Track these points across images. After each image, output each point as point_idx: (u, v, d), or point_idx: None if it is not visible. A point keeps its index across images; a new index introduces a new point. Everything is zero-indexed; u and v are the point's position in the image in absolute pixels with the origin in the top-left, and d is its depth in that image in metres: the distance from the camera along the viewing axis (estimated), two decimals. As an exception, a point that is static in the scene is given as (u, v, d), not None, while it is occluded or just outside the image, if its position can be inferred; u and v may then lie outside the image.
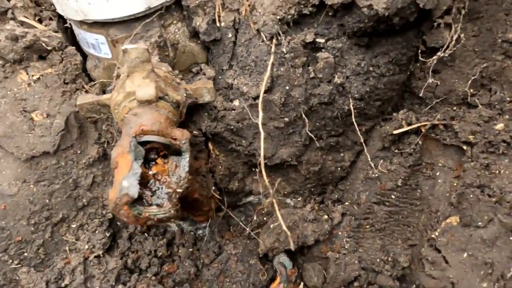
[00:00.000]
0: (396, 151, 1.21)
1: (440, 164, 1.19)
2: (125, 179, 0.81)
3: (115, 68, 1.12)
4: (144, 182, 0.88)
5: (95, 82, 1.22)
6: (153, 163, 0.94)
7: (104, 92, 1.24)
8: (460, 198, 1.09)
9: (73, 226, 1.30)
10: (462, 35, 1.02)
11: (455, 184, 1.13)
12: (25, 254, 1.22)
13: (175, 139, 0.93)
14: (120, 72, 1.02)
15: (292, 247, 0.94)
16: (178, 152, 0.95)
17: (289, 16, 1.05)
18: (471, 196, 1.06)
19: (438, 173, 1.20)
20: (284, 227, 0.95)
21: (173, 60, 1.18)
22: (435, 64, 1.08)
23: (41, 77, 1.16)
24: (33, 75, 1.16)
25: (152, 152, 0.94)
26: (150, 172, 0.92)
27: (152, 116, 0.93)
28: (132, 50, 0.92)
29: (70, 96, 1.20)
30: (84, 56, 1.23)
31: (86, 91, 1.20)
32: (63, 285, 1.23)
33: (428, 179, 1.21)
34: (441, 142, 1.17)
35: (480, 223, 1.03)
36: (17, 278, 1.20)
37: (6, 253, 1.19)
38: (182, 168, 0.94)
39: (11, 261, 1.20)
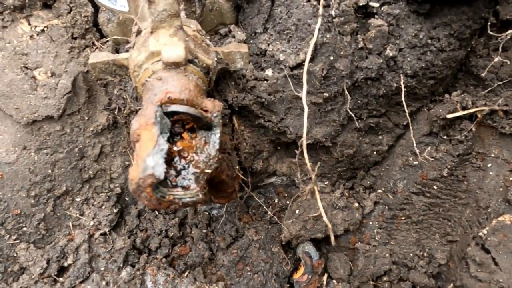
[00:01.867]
0: (445, 137, 1.08)
1: (492, 155, 1.07)
2: (150, 157, 0.68)
3: (133, 23, 0.97)
4: (168, 159, 0.74)
5: (108, 39, 1.06)
6: (178, 137, 0.81)
7: (117, 51, 1.08)
8: (518, 195, 0.97)
9: (78, 200, 1.18)
10: (545, 7, 0.87)
11: (511, 179, 1.01)
12: (24, 229, 1.10)
13: (205, 111, 0.79)
14: (141, 28, 0.86)
15: (332, 241, 0.83)
16: (207, 126, 0.81)
17: (342, -27, 0.89)
18: (531, 193, 0.95)
19: (489, 165, 1.07)
20: (325, 219, 0.83)
21: (199, 18, 1.01)
22: (506, 41, 0.94)
23: (45, 29, 1.00)
24: (36, 26, 1.00)
25: (177, 124, 0.80)
26: (175, 148, 0.79)
27: (180, 82, 0.78)
28: (159, 1, 0.76)
29: (79, 53, 1.04)
30: (96, 7, 1.06)
31: (97, 49, 1.05)
32: (65, 264, 1.12)
33: (477, 170, 1.09)
34: (498, 131, 1.04)
35: (541, 225, 0.92)
36: (15, 255, 1.08)
37: (3, 227, 1.07)
38: (212, 145, 0.80)
39: (8, 236, 1.08)
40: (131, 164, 1.23)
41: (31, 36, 0.99)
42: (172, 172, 0.78)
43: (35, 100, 1.02)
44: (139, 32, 0.87)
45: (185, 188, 0.77)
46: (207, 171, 0.79)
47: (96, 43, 1.05)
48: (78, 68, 1.04)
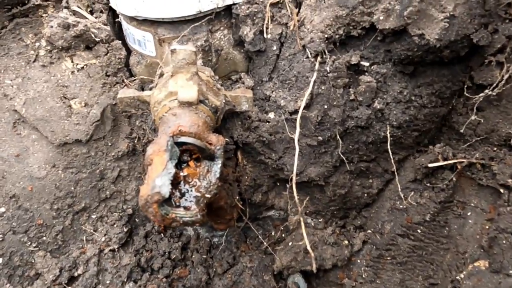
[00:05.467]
0: (428, 184, 1.18)
1: (472, 204, 1.15)
2: (159, 178, 0.81)
3: (158, 66, 1.14)
4: (174, 182, 0.87)
5: (135, 78, 1.24)
6: (185, 165, 0.94)
7: (142, 89, 1.25)
8: (491, 242, 1.05)
9: (93, 216, 1.31)
10: (513, 76, 0.99)
11: (487, 227, 1.09)
12: (44, 238, 1.23)
13: (210, 144, 0.93)
14: (164, 71, 1.03)
15: (314, 268, 0.92)
16: (211, 157, 0.94)
17: (337, 36, 1.05)
18: (504, 242, 1.02)
19: (469, 213, 1.16)
20: (309, 247, 0.93)
21: (215, 65, 1.18)
22: (480, 102, 1.06)
23: (85, 66, 1.18)
24: (77, 64, 1.18)
25: (185, 153, 0.93)
26: (182, 174, 0.92)
27: (191, 118, 0.93)
28: (180, 51, 0.92)
29: (110, 88, 1.21)
30: (128, 51, 1.24)
31: (126, 86, 1.22)
32: (76, 274, 1.23)
33: (458, 218, 1.17)
34: (476, 182, 1.13)
35: (511, 271, 0.99)
36: (33, 261, 1.21)
37: (26, 234, 1.20)
38: (213, 173, 0.93)
39: (29, 243, 1.21)
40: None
41: (72, 72, 1.18)
42: (177, 194, 0.90)
43: (68, 125, 1.18)
44: (161, 75, 1.04)
45: (187, 208, 0.89)
46: (207, 195, 0.91)
47: (125, 80, 1.22)
48: (107, 101, 1.20)
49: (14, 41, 1.16)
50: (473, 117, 1.08)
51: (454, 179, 1.14)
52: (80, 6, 1.20)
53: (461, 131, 1.11)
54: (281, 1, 1.09)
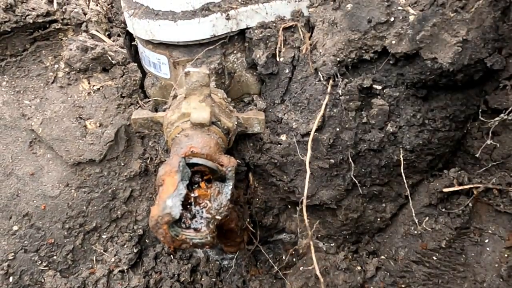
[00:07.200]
0: (443, 210, 1.15)
1: (490, 231, 1.12)
2: (170, 199, 0.81)
3: (172, 88, 1.16)
4: (185, 203, 0.87)
5: (150, 99, 1.26)
6: (196, 186, 0.94)
7: (156, 110, 1.27)
8: (511, 271, 1.01)
9: (104, 236, 1.31)
10: (529, 100, 0.98)
11: (506, 256, 1.05)
12: (54, 257, 1.23)
13: (221, 165, 0.93)
14: (177, 93, 1.05)
15: (324, 295, 0.90)
16: (222, 179, 0.94)
17: (349, 60, 1.05)
18: (524, 271, 0.98)
19: (487, 240, 1.12)
20: (318, 273, 0.91)
21: (228, 87, 1.20)
22: (495, 126, 1.04)
23: (101, 88, 1.21)
24: (94, 85, 1.21)
25: (197, 175, 0.93)
26: (192, 195, 0.92)
27: (203, 139, 0.93)
28: (194, 73, 0.94)
29: (124, 109, 1.23)
30: (144, 73, 1.27)
31: (140, 107, 1.24)
32: (84, 295, 1.22)
33: (475, 245, 1.13)
34: (494, 208, 1.10)
35: (532, 303, 0.95)
36: (43, 281, 1.20)
37: (37, 253, 1.20)
38: (224, 195, 0.93)
39: (40, 262, 1.21)
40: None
41: (89, 93, 1.20)
42: (188, 215, 0.90)
43: (83, 145, 1.20)
44: (175, 96, 1.05)
45: (197, 230, 0.88)
46: (217, 217, 0.91)
47: (140, 102, 1.25)
48: (122, 121, 1.22)
49: (35, 63, 1.20)
50: (488, 142, 1.06)
51: (470, 204, 1.11)
52: (98, 30, 1.24)
53: (477, 155, 1.09)
54: (293, 26, 1.11)
